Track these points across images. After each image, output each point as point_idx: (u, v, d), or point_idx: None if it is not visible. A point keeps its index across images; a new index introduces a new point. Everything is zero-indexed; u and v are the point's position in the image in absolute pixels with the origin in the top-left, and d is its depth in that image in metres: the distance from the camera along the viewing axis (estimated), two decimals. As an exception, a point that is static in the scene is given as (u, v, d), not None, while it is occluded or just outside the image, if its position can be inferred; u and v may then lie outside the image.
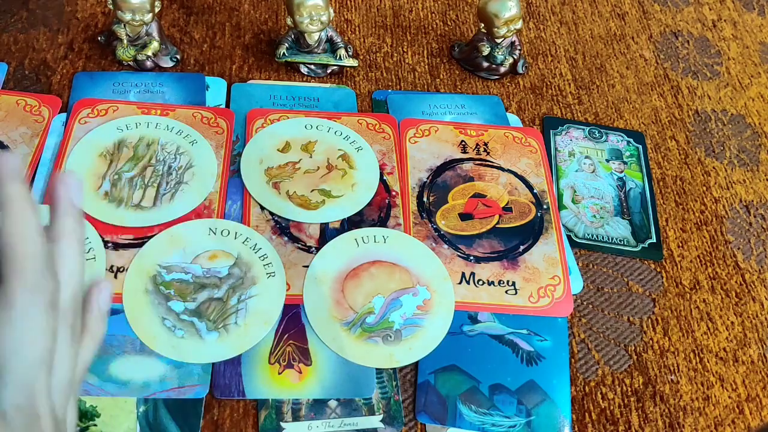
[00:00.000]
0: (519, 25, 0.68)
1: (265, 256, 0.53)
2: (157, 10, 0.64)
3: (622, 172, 0.65)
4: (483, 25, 0.69)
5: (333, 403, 0.48)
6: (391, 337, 0.51)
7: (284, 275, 0.53)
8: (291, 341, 0.50)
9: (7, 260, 0.29)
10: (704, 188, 0.66)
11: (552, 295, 0.55)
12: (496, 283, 0.55)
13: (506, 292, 0.55)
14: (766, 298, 0.59)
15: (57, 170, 0.56)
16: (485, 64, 0.70)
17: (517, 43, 0.71)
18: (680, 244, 0.61)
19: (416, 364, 0.51)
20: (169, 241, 0.53)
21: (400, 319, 0.52)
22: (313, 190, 0.58)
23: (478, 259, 0.56)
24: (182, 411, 0.47)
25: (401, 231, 0.57)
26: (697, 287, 0.59)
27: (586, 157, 0.66)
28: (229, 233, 0.54)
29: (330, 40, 0.68)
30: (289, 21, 0.66)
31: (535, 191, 0.61)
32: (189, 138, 0.60)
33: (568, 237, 0.59)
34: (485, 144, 0.64)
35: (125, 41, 0.65)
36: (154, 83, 0.65)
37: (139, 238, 0.53)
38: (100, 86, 0.64)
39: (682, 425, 0.51)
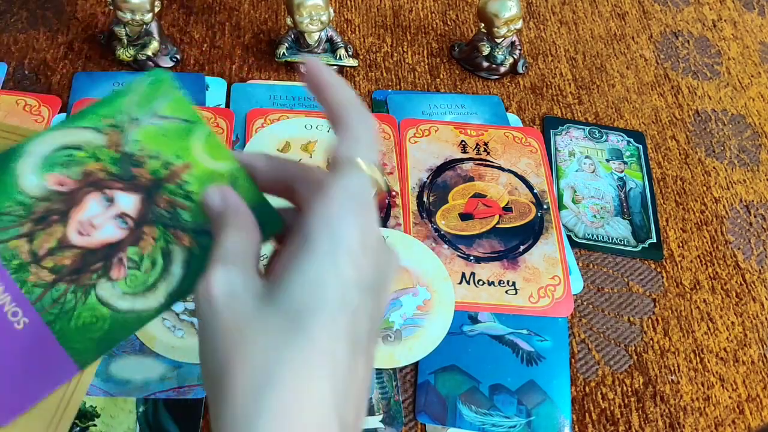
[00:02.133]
0: (519, 25, 0.68)
1: (266, 256, 0.53)
2: (157, 10, 0.64)
3: (622, 172, 0.65)
4: (483, 25, 0.69)
5: (333, 404, 0.48)
6: (391, 337, 0.51)
7: (284, 275, 0.53)
8: (291, 341, 0.50)
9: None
10: (704, 188, 0.66)
11: (552, 295, 0.55)
12: (496, 283, 0.55)
13: (506, 292, 0.55)
14: (766, 298, 0.59)
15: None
16: (485, 64, 0.70)
17: (517, 42, 0.71)
18: (680, 244, 0.61)
19: (416, 364, 0.51)
20: (168, 241, 0.53)
21: (400, 319, 0.52)
22: (313, 190, 0.58)
23: (478, 259, 0.56)
24: (182, 411, 0.47)
25: (401, 231, 0.57)
26: (698, 287, 0.59)
27: (587, 157, 0.66)
28: (229, 233, 0.54)
29: (330, 40, 0.68)
30: (289, 21, 0.66)
31: (535, 191, 0.61)
32: (189, 138, 0.60)
33: (569, 237, 0.59)
34: (485, 144, 0.64)
35: (125, 41, 0.65)
36: (154, 83, 0.65)
37: (139, 238, 0.53)
38: (99, 86, 0.64)
39: (682, 425, 0.51)
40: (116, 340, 0.31)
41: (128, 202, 0.34)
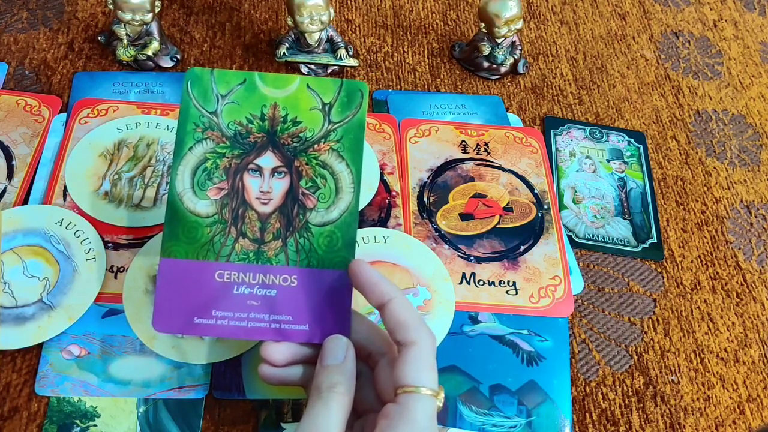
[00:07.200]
0: (520, 24, 0.68)
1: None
2: (157, 10, 0.64)
3: (622, 172, 0.65)
4: (483, 25, 0.69)
5: (333, 404, 0.48)
6: (391, 337, 0.51)
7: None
8: (291, 341, 0.50)
9: None
10: (705, 188, 0.66)
11: (553, 296, 0.55)
12: (496, 284, 0.55)
13: (507, 292, 0.55)
14: (766, 299, 0.59)
15: (58, 170, 0.56)
16: (486, 64, 0.70)
17: (517, 42, 0.71)
18: (681, 245, 0.61)
19: (416, 364, 0.51)
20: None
21: (400, 319, 0.52)
22: (313, 190, 0.59)
23: (479, 260, 0.56)
24: (182, 411, 0.47)
25: (401, 231, 0.57)
26: (698, 287, 0.59)
27: (587, 157, 0.66)
28: (229, 233, 0.55)
29: (330, 40, 0.68)
30: (289, 21, 0.66)
31: (535, 191, 0.61)
32: (189, 138, 0.60)
33: (569, 237, 0.59)
34: (486, 144, 0.64)
35: (125, 41, 0.65)
36: (155, 83, 0.65)
37: (139, 238, 0.53)
38: (100, 86, 0.64)
39: (683, 426, 0.51)
40: (353, 237, 0.41)
41: (268, 159, 0.42)
